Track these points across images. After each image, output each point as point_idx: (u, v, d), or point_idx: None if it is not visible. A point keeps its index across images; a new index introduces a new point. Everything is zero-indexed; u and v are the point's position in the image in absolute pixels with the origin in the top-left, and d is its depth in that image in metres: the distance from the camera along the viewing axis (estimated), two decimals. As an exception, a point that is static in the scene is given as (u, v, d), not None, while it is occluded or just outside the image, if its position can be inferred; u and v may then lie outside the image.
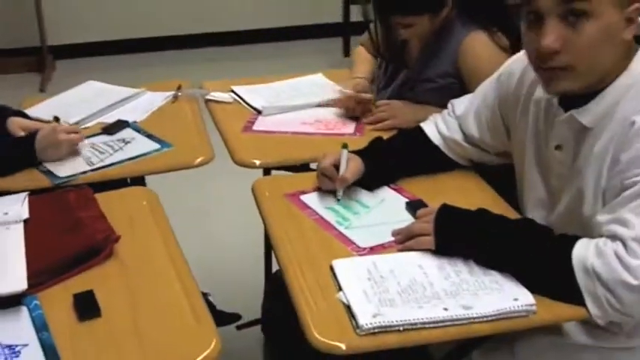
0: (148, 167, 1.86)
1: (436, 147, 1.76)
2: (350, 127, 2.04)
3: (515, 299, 1.32)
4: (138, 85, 2.30)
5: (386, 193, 1.70)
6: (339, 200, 1.64)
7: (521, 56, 1.60)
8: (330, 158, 1.66)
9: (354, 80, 2.17)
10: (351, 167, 1.65)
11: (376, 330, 1.26)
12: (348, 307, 1.31)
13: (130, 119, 2.08)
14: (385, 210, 1.64)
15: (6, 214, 1.53)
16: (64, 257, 1.43)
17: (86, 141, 1.93)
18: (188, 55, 4.98)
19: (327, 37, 4.93)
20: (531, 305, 1.31)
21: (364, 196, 1.68)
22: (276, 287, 2.29)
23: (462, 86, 1.99)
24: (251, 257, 2.70)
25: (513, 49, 1.96)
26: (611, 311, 1.30)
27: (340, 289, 1.36)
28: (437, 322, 1.28)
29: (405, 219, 1.59)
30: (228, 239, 3.05)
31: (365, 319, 1.26)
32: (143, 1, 5.03)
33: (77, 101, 2.21)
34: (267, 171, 2.33)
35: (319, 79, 2.37)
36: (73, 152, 1.87)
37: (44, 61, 4.82)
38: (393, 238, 1.52)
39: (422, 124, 1.81)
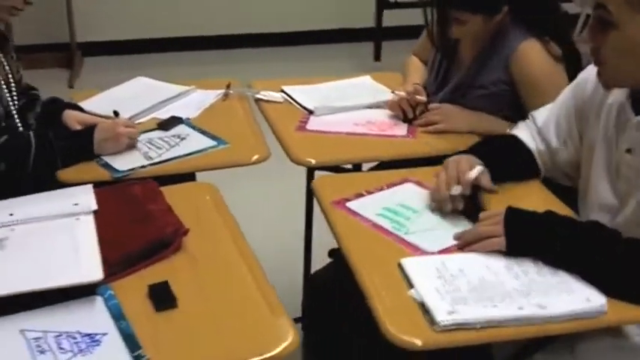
0: (204, 163, 1.88)
1: (532, 157, 1.78)
2: (402, 129, 2.06)
3: (588, 300, 1.34)
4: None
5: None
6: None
7: None
8: (462, 164, 1.65)
9: (408, 85, 2.18)
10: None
11: (453, 327, 1.27)
12: (422, 304, 1.33)
13: (183, 116, 2.10)
14: (436, 213, 1.64)
15: (76, 204, 1.55)
16: (135, 249, 1.45)
17: (142, 136, 1.95)
18: (214, 55, 5.00)
19: (359, 41, 4.95)
20: (603, 306, 1.33)
21: (408, 199, 1.68)
22: (317, 287, 2.32)
23: (513, 93, 2.01)
24: (285, 258, 2.72)
25: (565, 59, 1.98)
26: None
27: (412, 286, 1.38)
28: (513, 320, 1.29)
29: (461, 221, 1.60)
30: (265, 238, 3.06)
31: (442, 316, 1.28)
32: (160, 2, 5.05)
33: (128, 97, 2.24)
34: (310, 171, 2.36)
35: (367, 81, 2.38)
36: (130, 146, 1.90)
37: (73, 57, 4.86)
38: (452, 242, 1.53)
39: (515, 132, 1.82)
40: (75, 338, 1.26)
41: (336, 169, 2.07)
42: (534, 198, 1.70)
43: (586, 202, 1.65)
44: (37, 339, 1.26)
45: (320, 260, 2.42)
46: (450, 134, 2.02)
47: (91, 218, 1.52)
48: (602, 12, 1.39)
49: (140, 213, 1.54)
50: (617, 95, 1.55)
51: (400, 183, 1.75)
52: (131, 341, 1.25)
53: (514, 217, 1.48)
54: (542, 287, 1.37)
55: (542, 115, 1.80)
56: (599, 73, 1.49)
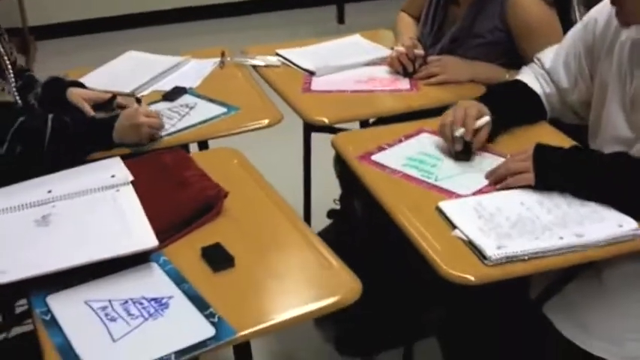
0: (222, 129, 1.89)
1: (540, 101, 1.84)
2: (405, 84, 2.11)
3: (620, 225, 1.42)
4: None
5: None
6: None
7: (605, 6, 1.69)
8: (472, 109, 1.70)
9: (404, 40, 2.23)
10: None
11: (503, 260, 1.34)
12: (470, 242, 1.39)
13: (185, 86, 2.11)
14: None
15: (113, 176, 1.57)
16: (180, 214, 1.47)
17: (151, 107, 1.96)
18: (172, 29, 4.95)
19: (319, 5, 4.95)
20: (636, 229, 1.41)
21: (428, 148, 1.74)
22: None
23: (510, 41, 2.07)
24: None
25: (557, 3, 2.05)
26: None
27: (454, 227, 1.44)
28: (556, 250, 1.37)
29: (485, 162, 1.67)
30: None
31: (491, 251, 1.35)
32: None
33: (124, 71, 2.23)
34: (307, 132, 2.40)
35: (359, 40, 2.43)
36: (152, 137, 1.82)
37: (27, 42, 4.76)
38: (486, 183, 1.59)
39: (522, 78, 1.88)
40: (142, 304, 1.29)
41: (332, 129, 2.11)
42: (546, 138, 1.77)
43: (598, 138, 1.72)
44: (103, 308, 1.28)
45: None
46: (451, 84, 2.08)
47: (130, 188, 1.54)
48: None
49: (176, 180, 1.57)
50: (630, 33, 1.61)
51: (417, 134, 1.81)
52: (199, 301, 1.29)
53: (541, 152, 1.55)
54: (576, 218, 1.45)
55: (549, 57, 1.86)
56: (617, 13, 1.54)
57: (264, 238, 1.45)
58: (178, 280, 1.34)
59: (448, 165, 1.68)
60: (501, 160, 1.67)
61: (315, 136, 2.36)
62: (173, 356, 1.17)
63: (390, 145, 1.76)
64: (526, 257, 1.35)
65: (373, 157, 1.71)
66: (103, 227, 1.43)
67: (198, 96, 2.06)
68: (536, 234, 1.40)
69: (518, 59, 2.04)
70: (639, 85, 1.58)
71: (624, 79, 1.62)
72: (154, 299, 1.30)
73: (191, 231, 1.47)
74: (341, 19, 4.62)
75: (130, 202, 1.50)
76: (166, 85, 2.14)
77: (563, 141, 1.75)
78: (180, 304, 1.29)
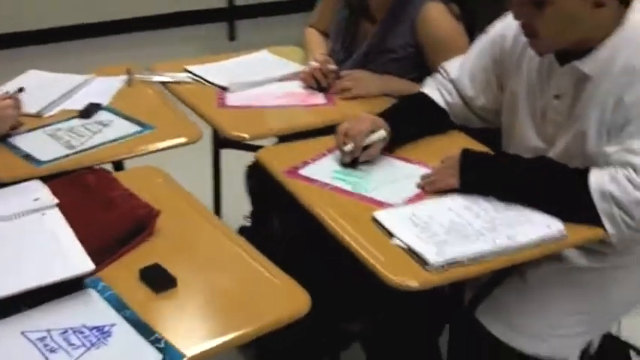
0: (137, 148, 1.84)
1: (443, 111, 1.89)
2: (321, 98, 2.12)
3: (548, 227, 1.48)
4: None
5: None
6: (347, 165, 1.71)
7: (512, 21, 1.76)
8: (364, 124, 1.73)
9: (317, 55, 2.24)
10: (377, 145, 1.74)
11: (444, 265, 1.37)
12: (409, 250, 1.42)
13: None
14: (381, 168, 1.74)
15: (36, 199, 1.49)
16: (113, 235, 1.42)
17: (62, 124, 1.91)
18: (75, 45, 4.79)
19: (210, 22, 4.92)
20: (562, 230, 1.48)
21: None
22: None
23: (420, 56, 2.12)
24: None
25: (464, 18, 2.12)
26: (626, 229, 1.50)
27: (392, 235, 1.46)
28: (493, 252, 1.42)
29: (409, 170, 1.71)
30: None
31: (432, 257, 1.38)
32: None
33: (28, 91, 2.13)
34: (216, 150, 2.38)
35: (267, 56, 2.42)
36: (15, 127, 1.84)
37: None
38: (417, 191, 1.63)
39: (424, 90, 1.93)
40: (83, 332, 1.24)
41: (243, 145, 2.11)
42: (458, 145, 1.81)
43: (511, 147, 1.79)
44: (42, 339, 1.22)
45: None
46: (367, 98, 2.11)
47: (56, 211, 1.47)
48: None
49: (103, 200, 1.51)
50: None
51: (336, 149, 1.80)
52: (143, 328, 1.24)
53: (466, 157, 1.61)
54: (505, 221, 1.50)
55: (454, 67, 1.91)
56: (531, 44, 1.59)
57: (202, 256, 1.43)
58: (119, 306, 1.29)
59: (375, 176, 1.70)
60: (421, 167, 1.71)
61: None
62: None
63: (315, 160, 1.76)
64: (465, 261, 1.39)
65: (300, 172, 1.71)
66: (33, 253, 1.37)
67: (117, 113, 2.00)
68: (471, 239, 1.45)
69: (428, 73, 2.11)
70: (549, 99, 1.66)
71: (534, 93, 1.70)
72: (96, 327, 1.25)
73: (125, 252, 1.42)
74: (232, 37, 4.59)
75: (58, 225, 1.43)
76: (75, 103, 2.06)
77: (477, 146, 1.80)
78: (123, 331, 1.24)
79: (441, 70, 1.95)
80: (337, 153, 1.78)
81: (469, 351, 1.71)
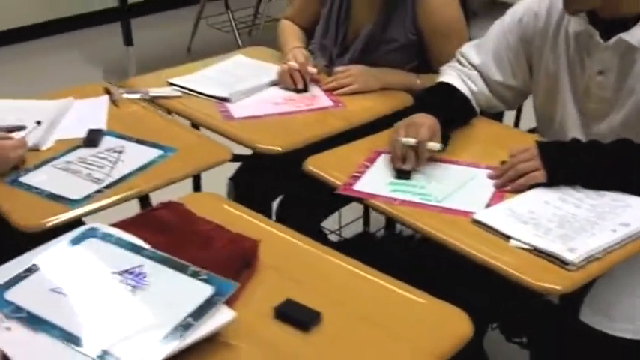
0: (174, 175, 1.64)
1: (468, 100, 1.84)
2: (324, 101, 2.01)
3: (652, 207, 1.46)
4: None
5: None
6: (400, 177, 1.60)
7: (535, 1, 1.74)
8: (422, 131, 1.62)
9: (292, 51, 2.12)
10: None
11: (583, 262, 1.32)
12: (536, 250, 1.35)
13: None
14: (438, 176, 1.63)
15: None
16: (225, 274, 1.24)
17: (69, 156, 1.70)
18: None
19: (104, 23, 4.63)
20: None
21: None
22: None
23: (421, 43, 2.07)
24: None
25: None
26: None
27: (508, 237, 1.39)
28: (619, 241, 1.38)
29: (472, 175, 1.62)
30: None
31: (570, 256, 1.31)
32: None
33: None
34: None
35: (243, 59, 2.27)
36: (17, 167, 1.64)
37: None
38: (492, 192, 1.55)
39: (448, 80, 1.85)
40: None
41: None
42: (493, 135, 1.80)
43: (552, 126, 1.78)
44: None
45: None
46: (376, 93, 2.04)
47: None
48: None
49: (195, 237, 1.33)
50: (574, 25, 1.67)
51: (376, 157, 1.70)
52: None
53: (547, 149, 1.56)
54: (607, 208, 1.47)
55: (473, 52, 1.86)
56: (568, 3, 1.58)
57: (322, 283, 1.29)
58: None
59: (437, 185, 1.59)
60: (478, 169, 1.65)
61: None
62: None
63: (361, 173, 1.63)
64: (600, 255, 1.34)
65: (356, 188, 1.58)
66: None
67: (122, 137, 1.78)
68: (589, 231, 1.40)
69: (428, 60, 2.07)
70: (592, 74, 1.65)
71: (574, 70, 1.68)
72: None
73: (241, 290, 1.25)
74: (129, 41, 4.17)
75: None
76: (69, 132, 1.82)
77: (506, 131, 1.80)
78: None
79: (460, 58, 1.89)
80: (378, 162, 1.68)
81: (573, 351, 1.65)
